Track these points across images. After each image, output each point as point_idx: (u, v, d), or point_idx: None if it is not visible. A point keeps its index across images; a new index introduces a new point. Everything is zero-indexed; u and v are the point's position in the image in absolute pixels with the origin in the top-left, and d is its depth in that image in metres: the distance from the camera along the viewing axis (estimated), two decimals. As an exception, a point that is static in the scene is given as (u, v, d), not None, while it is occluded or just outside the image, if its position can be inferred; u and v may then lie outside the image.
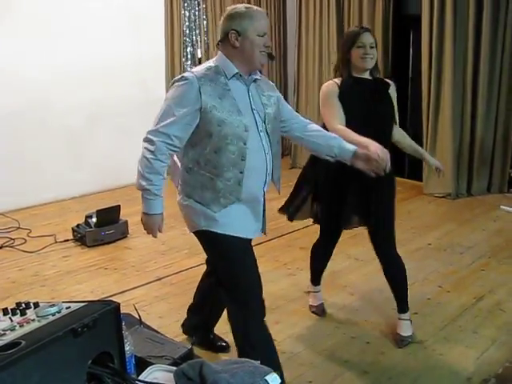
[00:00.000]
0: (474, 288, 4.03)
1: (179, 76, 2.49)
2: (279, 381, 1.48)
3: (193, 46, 6.90)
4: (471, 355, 3.19)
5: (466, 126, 6.12)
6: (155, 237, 2.63)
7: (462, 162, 6.20)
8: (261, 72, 2.63)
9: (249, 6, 2.53)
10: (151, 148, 2.41)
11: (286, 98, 8.29)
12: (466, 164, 6.23)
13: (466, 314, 3.67)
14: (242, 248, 2.62)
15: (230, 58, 2.48)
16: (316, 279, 3.68)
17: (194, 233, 2.67)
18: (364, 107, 3.06)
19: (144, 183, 2.45)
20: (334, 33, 7.05)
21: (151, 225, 2.61)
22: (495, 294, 3.94)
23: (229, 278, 2.62)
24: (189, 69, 6.87)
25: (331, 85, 3.10)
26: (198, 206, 2.56)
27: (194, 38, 6.89)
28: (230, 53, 2.48)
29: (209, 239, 2.61)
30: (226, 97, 2.43)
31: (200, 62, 6.99)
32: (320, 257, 3.60)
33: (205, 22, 6.90)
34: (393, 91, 3.22)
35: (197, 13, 6.85)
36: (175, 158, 2.73)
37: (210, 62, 2.53)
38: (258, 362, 1.58)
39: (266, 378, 1.47)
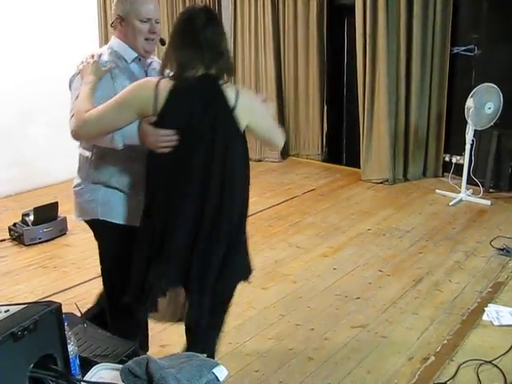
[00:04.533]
0: (413, 270, 4.14)
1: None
2: (226, 373, 1.49)
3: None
4: (412, 336, 3.28)
5: (400, 113, 6.25)
6: None
7: (398, 148, 6.33)
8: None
9: None
10: None
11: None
12: (401, 150, 6.36)
13: (406, 296, 3.77)
14: None
15: (124, 41, 2.45)
16: None
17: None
18: None
19: None
20: (270, 22, 7.05)
21: None
22: (433, 275, 4.06)
23: None
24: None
25: None
26: None
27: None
28: (119, 36, 2.46)
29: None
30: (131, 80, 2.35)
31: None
32: None
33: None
34: None
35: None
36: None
37: (109, 47, 2.50)
38: (204, 356, 1.59)
39: (214, 370, 1.47)
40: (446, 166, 6.34)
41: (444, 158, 6.38)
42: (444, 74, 6.09)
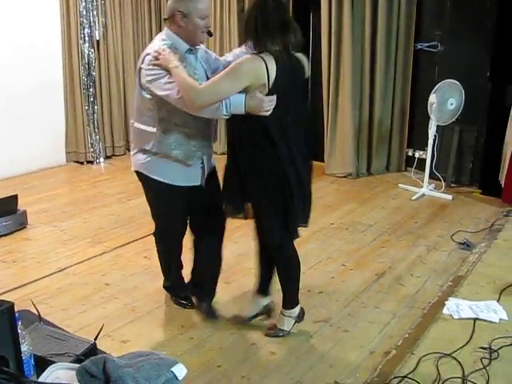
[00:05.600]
0: (376, 265, 4.18)
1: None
2: (185, 371, 1.47)
3: (90, 27, 6.64)
4: (374, 329, 3.31)
5: (364, 108, 6.29)
6: None
7: (362, 142, 6.38)
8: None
9: None
10: None
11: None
12: (365, 144, 6.41)
13: (368, 290, 3.80)
14: None
15: (177, 35, 2.88)
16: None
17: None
18: None
19: None
20: (235, 14, 6.99)
21: None
22: (395, 269, 4.11)
23: None
24: (86, 51, 6.62)
25: None
26: None
27: (92, 18, 6.63)
28: (175, 30, 2.87)
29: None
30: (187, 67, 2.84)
31: (98, 44, 6.75)
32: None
33: (103, 3, 6.66)
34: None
35: (94, -7, 6.59)
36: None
37: (165, 40, 2.88)
38: (163, 354, 1.56)
39: (172, 369, 1.45)
40: (409, 161, 6.42)
41: (407, 152, 6.46)
42: (408, 69, 6.16)
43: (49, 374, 1.46)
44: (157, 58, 2.76)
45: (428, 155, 5.81)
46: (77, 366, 1.47)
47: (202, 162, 3.11)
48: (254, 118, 2.71)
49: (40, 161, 6.41)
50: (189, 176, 3.09)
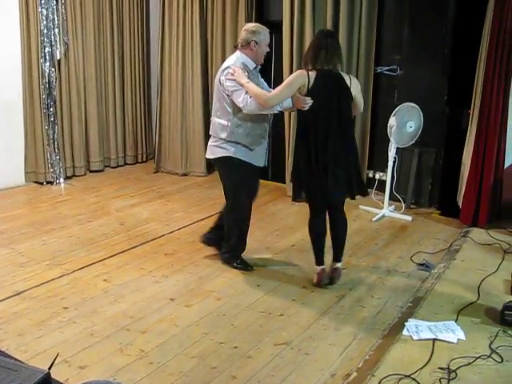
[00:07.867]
0: (336, 287, 4.18)
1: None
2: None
3: (51, 46, 6.57)
4: (335, 352, 3.31)
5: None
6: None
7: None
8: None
9: (260, 25, 4.17)
10: None
11: (149, 101, 8.14)
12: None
13: (329, 312, 3.81)
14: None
15: (248, 57, 4.11)
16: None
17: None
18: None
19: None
20: (198, 38, 7.04)
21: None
22: (355, 291, 4.13)
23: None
24: (47, 70, 6.55)
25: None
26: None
27: (53, 37, 6.57)
28: (248, 53, 4.10)
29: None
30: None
31: (59, 63, 6.69)
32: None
33: (64, 21, 6.61)
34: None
35: (56, 12, 6.53)
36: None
37: (239, 58, 4.11)
38: (118, 382, 1.53)
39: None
40: (370, 182, 6.48)
41: (368, 174, 6.52)
42: (368, 92, 6.23)
43: (-1, 406, 1.41)
44: (233, 74, 3.97)
45: (388, 177, 5.90)
46: (29, 396, 1.43)
47: (267, 149, 4.33)
48: (299, 110, 3.99)
49: (-3, 181, 6.30)
50: (255, 157, 4.20)
